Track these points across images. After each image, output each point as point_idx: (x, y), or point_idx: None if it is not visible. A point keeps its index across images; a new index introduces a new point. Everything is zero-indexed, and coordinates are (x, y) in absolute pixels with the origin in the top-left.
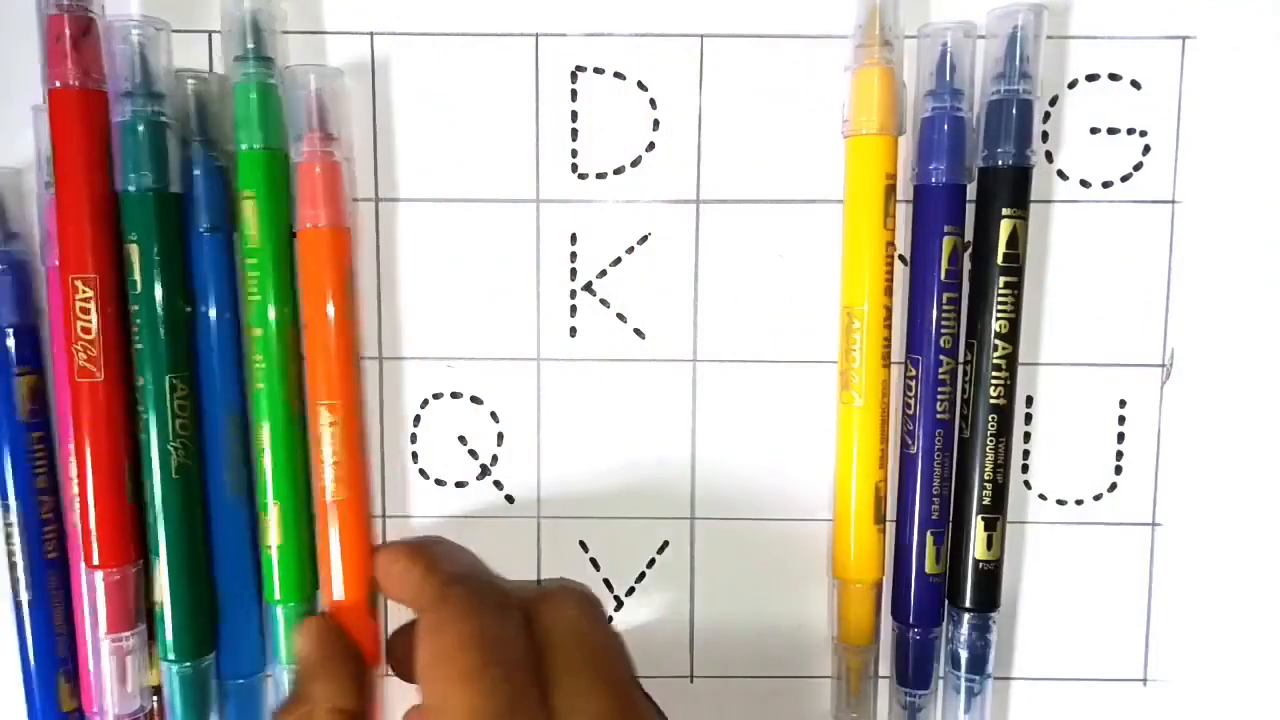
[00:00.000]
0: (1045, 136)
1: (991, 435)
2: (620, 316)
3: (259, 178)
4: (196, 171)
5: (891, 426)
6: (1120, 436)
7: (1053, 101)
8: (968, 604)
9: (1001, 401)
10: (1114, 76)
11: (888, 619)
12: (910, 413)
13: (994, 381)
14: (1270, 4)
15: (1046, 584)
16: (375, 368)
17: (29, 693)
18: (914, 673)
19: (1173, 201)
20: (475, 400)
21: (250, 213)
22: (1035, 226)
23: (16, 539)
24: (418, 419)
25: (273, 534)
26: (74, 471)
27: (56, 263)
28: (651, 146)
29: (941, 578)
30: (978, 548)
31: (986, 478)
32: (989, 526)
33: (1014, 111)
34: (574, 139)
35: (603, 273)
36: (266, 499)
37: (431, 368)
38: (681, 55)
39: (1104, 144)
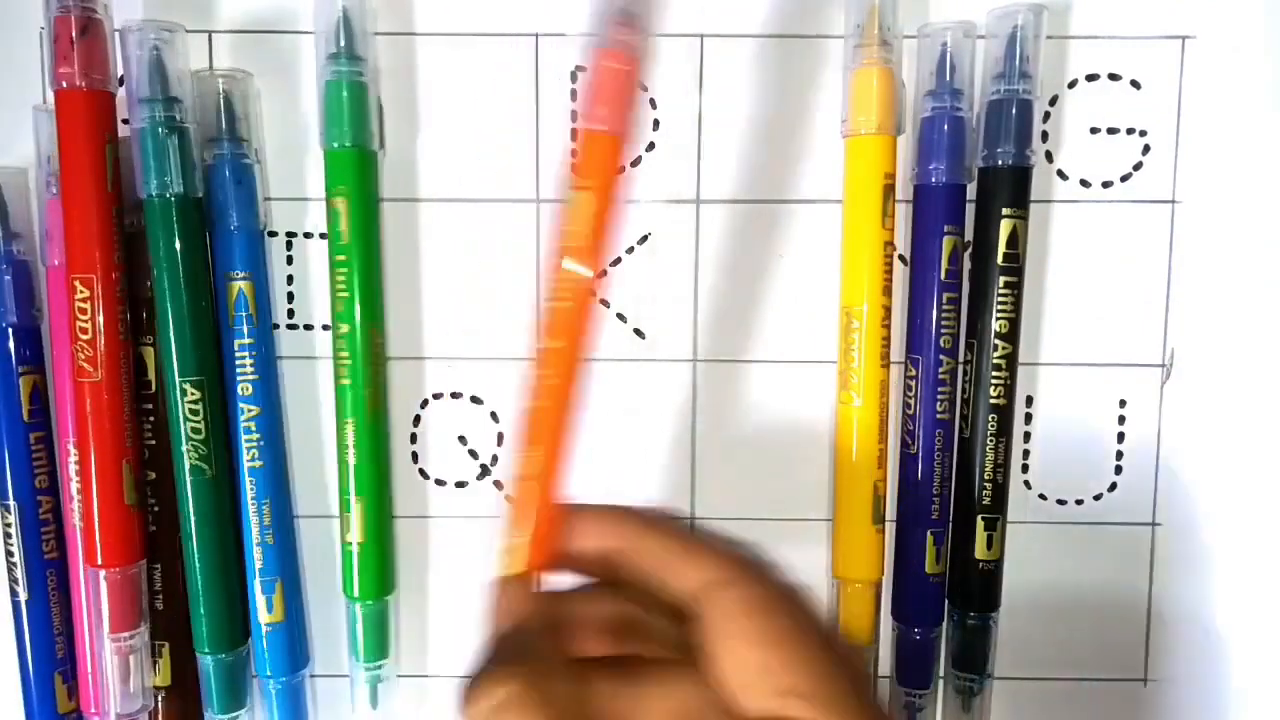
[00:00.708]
0: (1045, 136)
1: (991, 435)
2: (620, 316)
3: (350, 176)
4: (226, 171)
5: (891, 426)
6: (1120, 436)
7: (1052, 101)
8: (968, 604)
9: (1001, 401)
10: (1114, 76)
11: (887, 619)
12: (910, 412)
13: (994, 381)
14: (1270, 4)
15: (1046, 584)
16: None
17: (27, 693)
18: (914, 672)
19: (1173, 201)
20: (475, 400)
21: (342, 210)
22: (1035, 226)
23: (15, 539)
24: (418, 419)
25: (355, 531)
26: (74, 471)
27: (56, 262)
28: (651, 146)
29: (941, 578)
30: (978, 547)
31: (986, 478)
32: (989, 526)
33: (1014, 111)
34: (574, 139)
35: (603, 273)
36: (349, 496)
37: (431, 368)
38: (681, 55)
39: (1104, 144)
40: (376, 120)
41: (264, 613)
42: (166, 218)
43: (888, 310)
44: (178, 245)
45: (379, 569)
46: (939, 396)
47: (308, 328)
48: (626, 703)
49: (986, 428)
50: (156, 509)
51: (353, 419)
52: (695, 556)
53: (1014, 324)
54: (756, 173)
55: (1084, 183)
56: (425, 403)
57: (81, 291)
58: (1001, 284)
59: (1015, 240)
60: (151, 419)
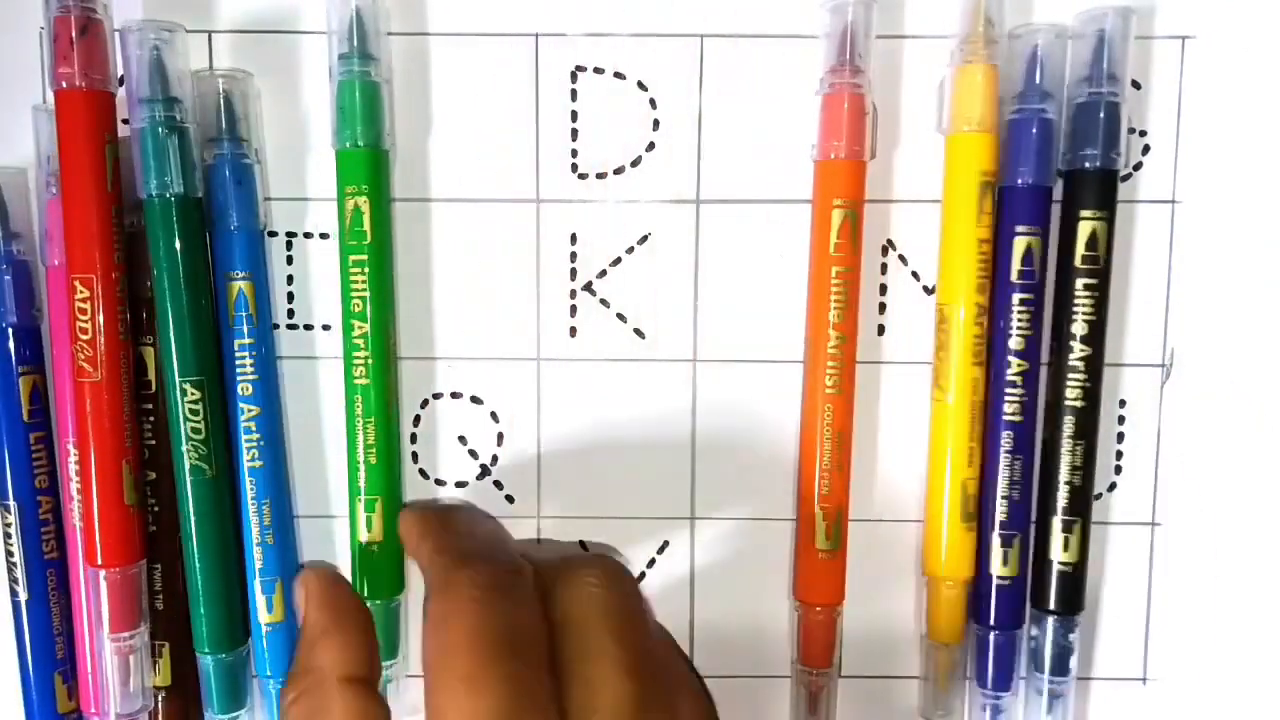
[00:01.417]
0: None
1: (1068, 437)
2: (620, 316)
3: (366, 175)
4: (226, 171)
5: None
6: (1120, 436)
7: None
8: (1050, 606)
9: (1079, 403)
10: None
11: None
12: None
13: (1070, 384)
14: (1270, 4)
15: None
16: None
17: (27, 693)
18: (995, 674)
19: (1173, 201)
20: (475, 400)
21: (365, 209)
22: None
23: (15, 539)
24: (418, 419)
25: (372, 531)
26: (74, 471)
27: (56, 262)
28: (651, 146)
29: (1018, 580)
30: (1054, 549)
31: (1064, 480)
32: (1066, 529)
33: (1101, 114)
34: (574, 139)
35: (603, 273)
36: (364, 496)
37: (431, 368)
38: (681, 55)
39: None
40: (389, 119)
41: (264, 613)
42: (166, 218)
43: (981, 308)
44: (178, 245)
45: (392, 568)
46: (1007, 397)
47: (308, 328)
48: None
49: (1063, 429)
50: (156, 509)
51: (374, 418)
52: (430, 562)
53: (1093, 326)
54: (756, 173)
55: None
56: (425, 403)
57: (81, 291)
58: (1080, 286)
59: (1095, 242)
60: (151, 419)
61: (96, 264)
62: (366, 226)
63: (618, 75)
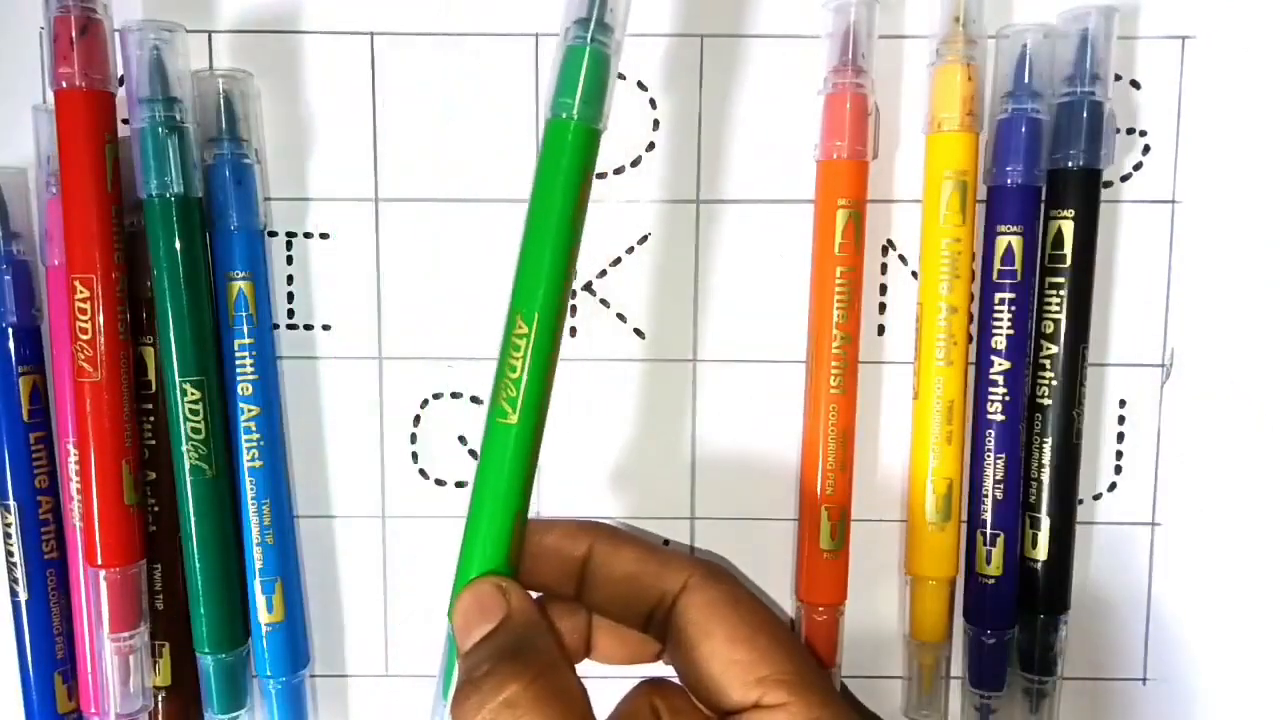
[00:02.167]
0: None
1: (1037, 434)
2: (620, 316)
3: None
4: (226, 171)
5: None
6: (1120, 436)
7: None
8: (1033, 605)
9: (1047, 401)
10: (1114, 76)
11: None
12: (963, 413)
13: (1040, 381)
14: (1270, 4)
15: None
16: (375, 367)
17: (27, 693)
18: (986, 675)
19: (1173, 201)
20: (475, 400)
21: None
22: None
23: (15, 539)
24: (418, 419)
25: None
26: (74, 471)
27: (56, 262)
28: (651, 146)
29: (999, 579)
30: (1037, 549)
31: (1034, 478)
32: (1040, 525)
33: (1084, 113)
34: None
35: (603, 273)
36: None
37: (431, 368)
38: (681, 55)
39: None
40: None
41: (264, 613)
42: (166, 218)
43: (953, 308)
44: (178, 245)
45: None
46: (989, 396)
47: (308, 328)
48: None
49: (1033, 427)
50: (156, 509)
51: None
52: (665, 563)
53: (1058, 324)
54: (756, 173)
55: None
56: (425, 403)
57: (81, 291)
58: (1047, 285)
59: (1062, 240)
60: (151, 419)
61: (96, 264)
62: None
63: (618, 75)
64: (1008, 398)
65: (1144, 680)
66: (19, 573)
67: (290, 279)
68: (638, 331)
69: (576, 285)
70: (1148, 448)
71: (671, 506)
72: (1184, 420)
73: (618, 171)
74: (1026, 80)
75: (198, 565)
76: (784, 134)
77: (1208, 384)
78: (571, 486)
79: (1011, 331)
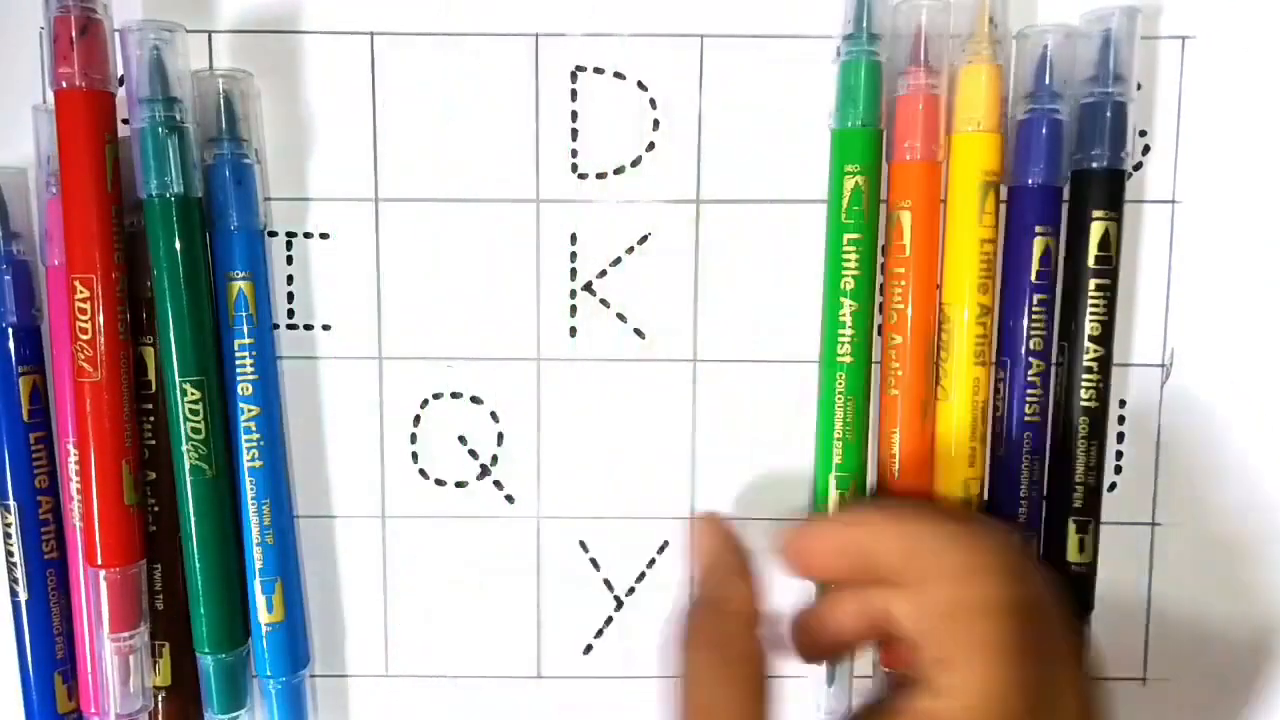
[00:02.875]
0: None
1: (1082, 438)
2: (620, 316)
3: (865, 154)
4: (226, 171)
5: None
6: (1120, 436)
7: None
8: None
9: (1094, 404)
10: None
11: None
12: (999, 414)
13: (1085, 384)
14: (1270, 4)
15: None
16: (375, 367)
17: (27, 693)
18: None
19: (1173, 201)
20: (475, 400)
21: (864, 187)
22: None
23: (15, 539)
24: (418, 419)
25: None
26: (74, 471)
27: (56, 262)
28: (651, 146)
29: None
30: (1070, 550)
31: (1079, 480)
32: (1081, 529)
33: (1108, 114)
34: (574, 139)
35: (603, 273)
36: (845, 473)
37: (431, 368)
38: (681, 55)
39: None
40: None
41: (264, 613)
42: (167, 218)
43: (985, 308)
44: (178, 245)
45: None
46: (1027, 398)
47: (308, 328)
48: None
49: (1078, 430)
50: (156, 509)
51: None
52: (918, 575)
53: (1106, 326)
54: (757, 173)
55: None
56: (425, 403)
57: (81, 292)
58: (1093, 286)
59: (1107, 242)
60: (151, 419)
61: (96, 264)
62: (865, 205)
63: (618, 75)
64: (1042, 399)
65: (1144, 680)
66: (19, 573)
67: (290, 279)
68: (638, 331)
69: (577, 285)
70: (1148, 448)
71: (671, 506)
72: (1184, 420)
73: (618, 171)
74: (1048, 81)
75: (198, 565)
76: (784, 133)
77: (1208, 384)
78: (571, 486)
79: (1046, 333)
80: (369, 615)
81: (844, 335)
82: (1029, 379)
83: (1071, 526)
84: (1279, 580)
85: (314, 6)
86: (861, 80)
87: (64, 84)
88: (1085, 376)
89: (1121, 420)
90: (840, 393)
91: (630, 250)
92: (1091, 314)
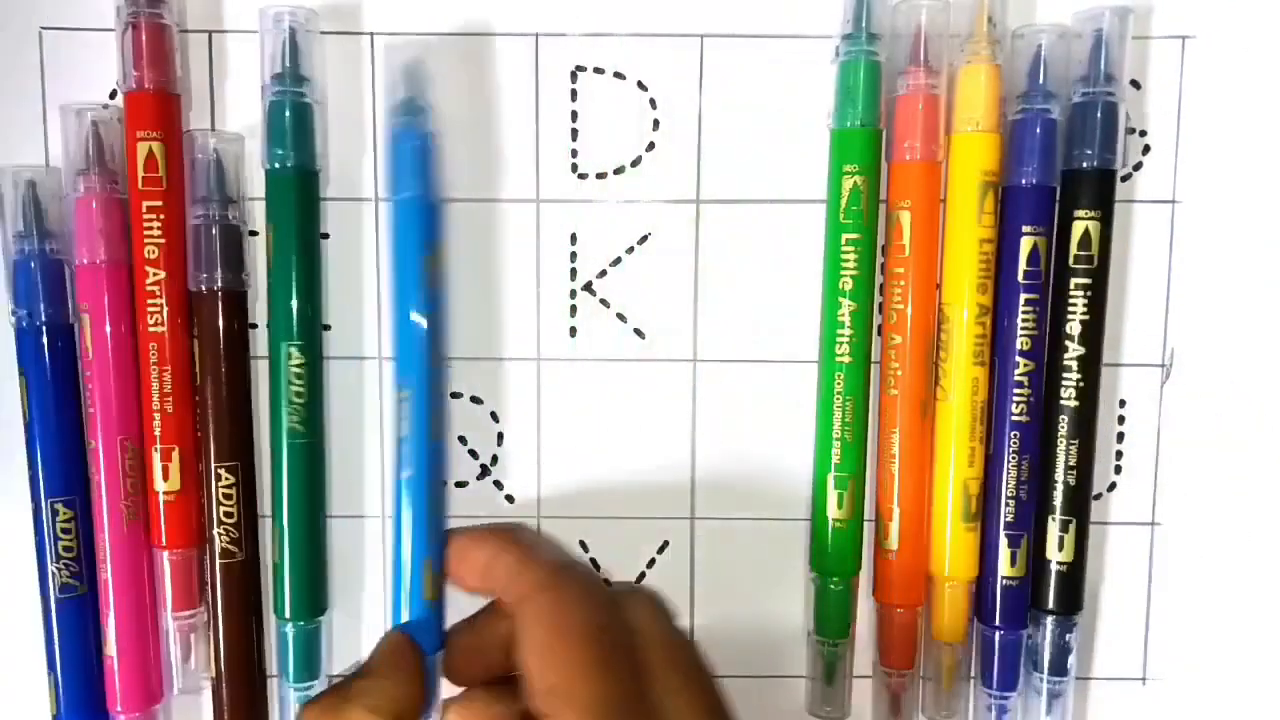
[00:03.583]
0: None
1: (1064, 436)
2: (620, 316)
3: (864, 154)
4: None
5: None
6: (1120, 436)
7: None
8: (1049, 606)
9: (1075, 403)
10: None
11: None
12: (989, 414)
13: (1065, 383)
14: (1270, 4)
15: None
16: (375, 367)
17: (69, 690)
18: (999, 675)
19: (1173, 201)
20: (475, 400)
21: (862, 189)
22: None
23: (75, 534)
24: None
25: (846, 509)
26: (127, 464)
27: (85, 261)
28: (651, 146)
29: (1022, 580)
30: (1049, 549)
31: (1059, 479)
32: (1063, 529)
33: (1099, 114)
34: (574, 139)
35: (603, 273)
36: (843, 474)
37: None
38: (681, 55)
39: None
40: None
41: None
42: (286, 189)
43: (984, 308)
44: (293, 216)
45: (855, 545)
46: (1014, 398)
47: None
48: None
49: (1059, 429)
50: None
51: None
52: (521, 569)
53: (1088, 325)
54: (757, 173)
55: None
56: None
57: (151, 288)
58: (1073, 285)
59: (1088, 241)
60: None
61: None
62: (863, 206)
63: (618, 75)
64: (1032, 399)
65: (1144, 680)
66: (80, 567)
67: None
68: (638, 331)
69: (577, 285)
70: (1148, 448)
71: (671, 507)
72: (1184, 420)
73: (618, 171)
74: (1041, 81)
75: (286, 530)
76: (784, 133)
77: (1208, 384)
78: (571, 486)
79: (1035, 332)
80: (370, 616)
81: (843, 335)
82: (1017, 378)
83: (1053, 526)
84: (1279, 580)
85: (314, 7)
86: (860, 80)
87: (132, 86)
88: (1066, 376)
89: (1121, 420)
90: (839, 393)
91: (630, 250)
92: (1071, 312)
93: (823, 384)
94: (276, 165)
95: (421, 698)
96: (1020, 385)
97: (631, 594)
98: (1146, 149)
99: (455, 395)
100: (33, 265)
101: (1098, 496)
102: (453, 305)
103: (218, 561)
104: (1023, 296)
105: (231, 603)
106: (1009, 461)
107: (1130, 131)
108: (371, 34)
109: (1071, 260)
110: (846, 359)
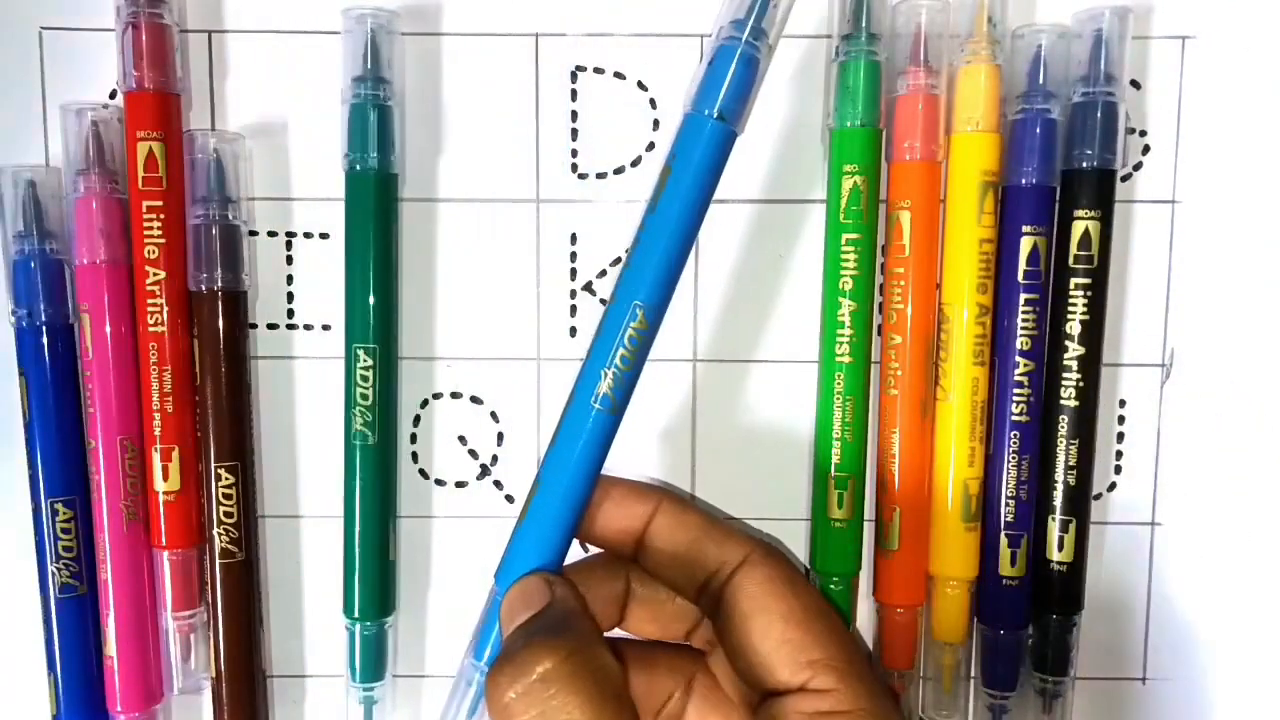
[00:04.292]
0: None
1: (1064, 437)
2: None
3: (864, 153)
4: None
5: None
6: (1120, 436)
7: None
8: (1048, 606)
9: (1074, 403)
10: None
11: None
12: (990, 414)
13: (1065, 383)
14: (1270, 4)
15: None
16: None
17: (70, 690)
18: (1000, 674)
19: (1173, 201)
20: (475, 400)
21: (862, 189)
22: None
23: (75, 534)
24: (418, 419)
25: (847, 508)
26: (126, 464)
27: (85, 261)
28: (651, 146)
29: (1022, 580)
30: (1049, 549)
31: (1059, 479)
32: (1063, 529)
33: (1099, 114)
34: (574, 139)
35: (603, 273)
36: (844, 473)
37: (431, 368)
38: (681, 55)
39: None
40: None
41: None
42: (363, 192)
43: (984, 308)
44: (372, 217)
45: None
46: (1014, 398)
47: (308, 328)
48: (643, 681)
49: (1059, 429)
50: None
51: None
52: (727, 536)
53: (1087, 325)
54: (756, 173)
55: None
56: (425, 403)
57: (152, 288)
58: (1073, 285)
59: (1088, 241)
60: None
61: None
62: (863, 205)
63: (618, 75)
64: (1031, 399)
65: (1144, 680)
66: (80, 568)
67: (290, 279)
68: None
69: (577, 285)
70: (1148, 448)
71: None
72: (1184, 420)
73: (618, 171)
74: (1041, 81)
75: (357, 531)
76: (784, 133)
77: (1208, 384)
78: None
79: (1035, 332)
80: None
81: (843, 335)
82: (1017, 378)
83: (1053, 526)
84: (1279, 580)
85: (314, 7)
86: (860, 80)
87: (132, 85)
88: (1066, 376)
89: (1121, 420)
90: (839, 393)
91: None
92: (1071, 312)
93: (823, 384)
94: (356, 167)
95: (593, 615)
96: (1020, 385)
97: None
98: (1146, 149)
99: (455, 395)
100: (33, 265)
101: (1098, 496)
102: (453, 305)
103: (218, 561)
104: (1022, 296)
105: (231, 603)
106: (1009, 461)
107: (1130, 131)
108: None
109: (1071, 260)
110: (847, 359)
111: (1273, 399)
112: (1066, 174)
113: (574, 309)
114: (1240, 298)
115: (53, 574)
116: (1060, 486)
